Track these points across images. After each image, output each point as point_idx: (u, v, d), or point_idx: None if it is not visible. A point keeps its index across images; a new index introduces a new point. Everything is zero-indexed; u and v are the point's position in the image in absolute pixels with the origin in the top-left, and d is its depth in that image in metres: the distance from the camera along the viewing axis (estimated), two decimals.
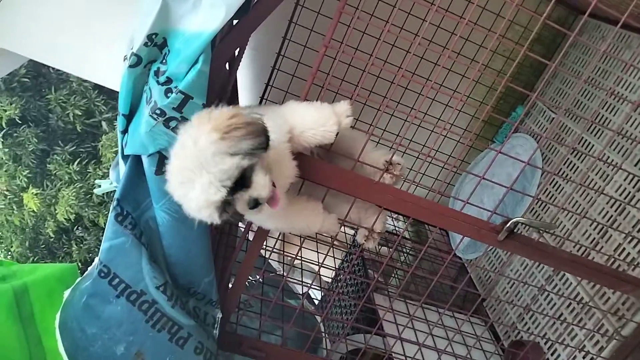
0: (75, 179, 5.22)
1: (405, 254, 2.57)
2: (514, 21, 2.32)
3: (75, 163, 5.17)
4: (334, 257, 2.34)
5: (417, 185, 1.39)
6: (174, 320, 1.19)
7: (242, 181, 0.95)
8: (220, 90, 1.20)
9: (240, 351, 1.45)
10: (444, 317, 1.90)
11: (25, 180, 5.37)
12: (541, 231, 1.40)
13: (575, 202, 1.91)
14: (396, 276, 2.53)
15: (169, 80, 1.01)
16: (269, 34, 2.13)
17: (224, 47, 1.12)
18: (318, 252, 2.20)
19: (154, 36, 1.02)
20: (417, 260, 1.50)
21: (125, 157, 1.13)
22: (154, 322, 1.17)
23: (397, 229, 2.63)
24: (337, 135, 1.15)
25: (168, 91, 1.01)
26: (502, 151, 1.31)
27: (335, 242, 2.36)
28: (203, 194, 0.93)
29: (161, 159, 1.07)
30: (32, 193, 5.15)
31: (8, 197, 5.35)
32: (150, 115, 1.02)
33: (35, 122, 5.62)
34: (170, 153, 0.97)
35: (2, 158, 5.34)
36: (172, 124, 1.03)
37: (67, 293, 1.22)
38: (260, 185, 0.98)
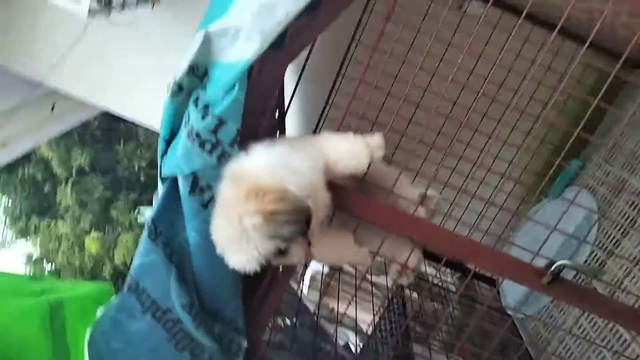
0: (135, 225, 5.43)
1: (452, 308, 2.45)
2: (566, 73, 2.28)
3: (136, 210, 5.40)
4: (372, 308, 2.26)
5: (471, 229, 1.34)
6: (197, 341, 1.18)
7: (279, 254, 1.03)
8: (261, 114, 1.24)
9: None
10: None
11: (89, 224, 5.64)
12: (589, 278, 1.30)
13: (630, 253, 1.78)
14: (441, 331, 2.40)
15: (206, 107, 1.06)
16: (324, 69, 2.20)
17: (263, 77, 1.16)
18: (351, 302, 2.14)
19: (195, 68, 1.09)
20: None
21: (163, 180, 1.18)
22: (177, 342, 1.16)
23: (442, 281, 2.53)
24: (369, 167, 1.16)
25: (205, 116, 1.05)
26: (557, 205, 1.25)
27: (377, 292, 2.30)
28: (243, 263, 1.03)
29: (195, 180, 1.10)
30: (94, 237, 5.39)
31: (71, 240, 5.64)
32: (186, 138, 1.06)
33: (103, 171, 5.99)
34: (216, 205, 1.05)
35: (69, 203, 5.69)
36: (207, 146, 1.06)
37: (100, 310, 1.24)
38: (294, 256, 1.06)
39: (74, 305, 1.36)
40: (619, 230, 1.90)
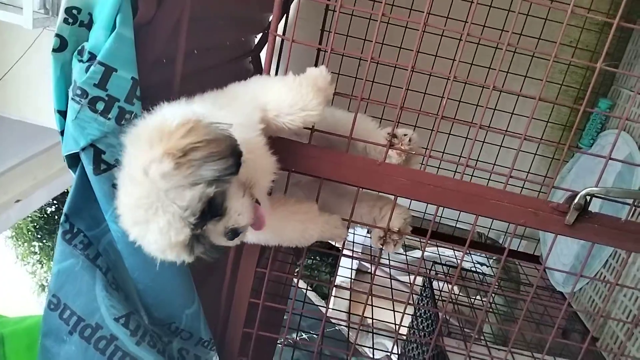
0: None
1: (493, 295, 2.13)
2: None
3: None
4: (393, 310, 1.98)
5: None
6: None
7: (212, 209, 0.75)
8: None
9: None
10: None
11: None
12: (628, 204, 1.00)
13: None
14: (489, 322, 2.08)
15: (92, 57, 0.86)
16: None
17: (160, 14, 0.92)
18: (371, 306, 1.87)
19: (74, 11, 0.88)
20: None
21: (74, 165, 0.97)
22: None
23: (476, 265, 2.22)
24: None
25: (89, 67, 0.85)
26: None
27: (401, 292, 2.02)
28: (163, 237, 0.74)
29: (97, 154, 0.89)
30: None
31: None
32: (72, 99, 0.85)
33: None
34: (118, 178, 0.79)
35: None
36: (99, 106, 0.85)
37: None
38: (236, 212, 0.78)
39: (16, 341, 1.15)
40: None
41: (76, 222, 0.96)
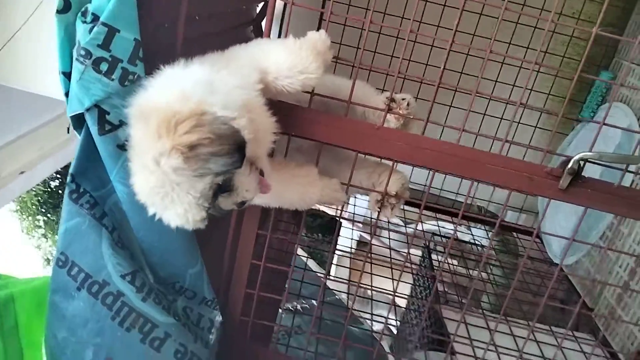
0: None
1: (490, 267, 2.17)
2: None
3: None
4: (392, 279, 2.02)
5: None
6: (146, 316, 0.98)
7: (222, 188, 0.82)
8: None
9: None
10: (539, 334, 1.50)
11: None
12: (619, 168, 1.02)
13: None
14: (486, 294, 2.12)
15: (95, 18, 0.87)
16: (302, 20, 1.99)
17: None
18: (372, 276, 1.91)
19: None
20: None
21: (79, 126, 0.99)
22: (122, 319, 0.97)
23: (475, 239, 2.25)
24: None
25: (93, 28, 0.86)
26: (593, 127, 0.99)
27: (401, 263, 2.06)
28: (181, 218, 0.82)
29: (102, 114, 0.91)
30: None
31: None
32: (76, 59, 0.87)
33: None
34: (129, 150, 0.83)
35: None
36: (103, 66, 0.87)
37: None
38: (244, 189, 0.84)
39: (26, 299, 1.19)
40: None
41: (82, 182, 0.99)
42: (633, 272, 1.58)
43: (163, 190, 0.79)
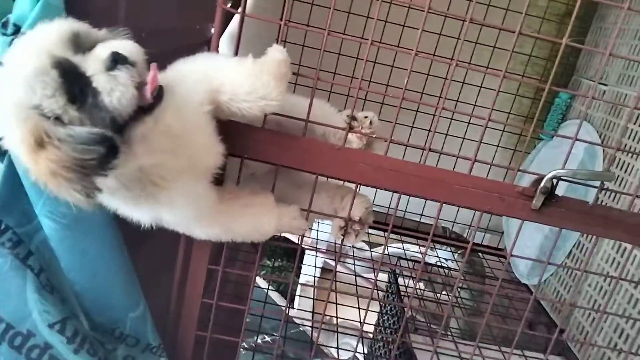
0: None
1: (458, 290, 2.11)
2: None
3: None
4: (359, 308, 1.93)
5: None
6: None
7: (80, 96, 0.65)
8: None
9: None
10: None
11: None
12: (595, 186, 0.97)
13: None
14: (453, 318, 2.06)
15: (17, 30, 0.77)
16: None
17: None
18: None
19: None
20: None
21: (0, 154, 0.87)
22: None
23: (441, 260, 2.19)
24: None
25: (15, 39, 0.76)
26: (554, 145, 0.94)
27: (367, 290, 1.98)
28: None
29: None
30: None
31: None
32: None
33: None
34: None
35: None
36: None
37: None
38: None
39: None
40: (628, 154, 1.57)
41: (4, 217, 0.87)
42: (604, 292, 1.55)
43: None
